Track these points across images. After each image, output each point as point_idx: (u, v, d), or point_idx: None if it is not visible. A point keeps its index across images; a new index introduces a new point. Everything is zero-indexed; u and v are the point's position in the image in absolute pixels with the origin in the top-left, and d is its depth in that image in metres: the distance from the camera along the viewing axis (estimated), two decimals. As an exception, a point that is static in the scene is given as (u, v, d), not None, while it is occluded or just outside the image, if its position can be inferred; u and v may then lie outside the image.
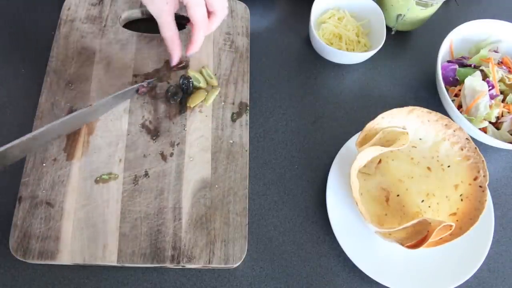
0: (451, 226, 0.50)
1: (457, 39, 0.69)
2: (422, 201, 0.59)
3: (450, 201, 0.57)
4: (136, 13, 0.69)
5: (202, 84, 0.62)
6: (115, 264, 0.53)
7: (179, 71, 0.64)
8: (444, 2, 0.69)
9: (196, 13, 0.54)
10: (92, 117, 0.58)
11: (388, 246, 0.55)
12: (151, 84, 0.61)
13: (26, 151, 0.50)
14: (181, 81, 0.62)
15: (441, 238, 0.51)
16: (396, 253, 0.56)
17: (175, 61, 0.61)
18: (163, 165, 0.58)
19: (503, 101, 0.64)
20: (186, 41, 0.66)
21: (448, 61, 0.69)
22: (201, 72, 0.63)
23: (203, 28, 0.56)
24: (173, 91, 0.61)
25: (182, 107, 0.62)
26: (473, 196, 0.55)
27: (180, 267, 0.54)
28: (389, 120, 0.57)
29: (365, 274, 0.55)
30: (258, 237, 0.58)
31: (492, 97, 0.63)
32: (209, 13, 0.56)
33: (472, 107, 0.62)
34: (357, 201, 0.52)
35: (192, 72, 0.63)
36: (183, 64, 0.64)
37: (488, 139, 0.61)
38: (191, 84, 0.62)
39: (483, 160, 0.55)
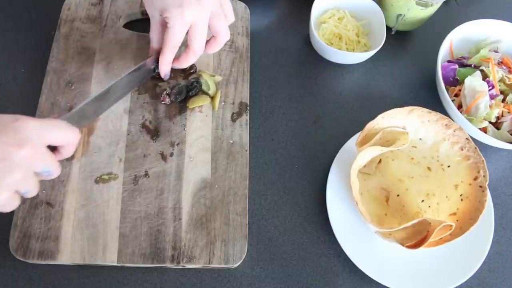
0: (451, 226, 0.50)
1: (457, 39, 0.69)
2: (422, 201, 0.59)
3: (450, 201, 0.57)
4: (136, 13, 0.69)
5: (211, 92, 0.62)
6: (115, 264, 0.53)
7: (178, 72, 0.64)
8: (444, 2, 0.69)
9: (172, 39, 0.52)
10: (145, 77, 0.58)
11: (388, 246, 0.55)
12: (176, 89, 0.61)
13: (98, 111, 0.52)
14: (191, 81, 0.61)
15: (441, 238, 0.51)
16: (396, 253, 0.56)
17: (151, 52, 0.59)
18: (163, 165, 0.58)
19: (503, 101, 0.64)
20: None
21: (448, 61, 0.69)
22: (213, 80, 0.63)
23: (172, 52, 0.55)
24: (179, 90, 0.61)
25: (182, 107, 0.62)
26: (473, 196, 0.55)
27: (180, 267, 0.54)
28: (389, 120, 0.57)
29: (365, 274, 0.55)
30: (258, 237, 0.58)
31: (492, 97, 0.63)
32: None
33: (472, 107, 0.62)
34: (357, 201, 0.52)
35: (206, 77, 0.62)
36: (193, 70, 0.64)
37: (488, 139, 0.61)
38: (199, 87, 0.61)
39: (483, 160, 0.55)
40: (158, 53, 0.56)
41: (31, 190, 0.43)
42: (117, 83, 0.53)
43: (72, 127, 0.45)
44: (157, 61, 0.56)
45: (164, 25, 0.53)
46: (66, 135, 0.45)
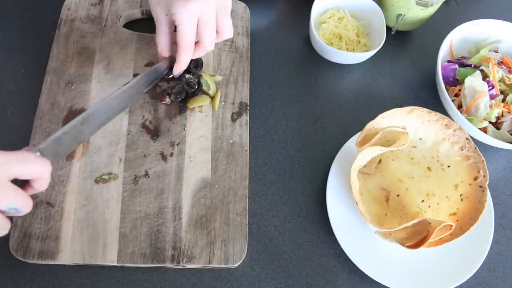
0: (451, 226, 0.50)
1: (457, 39, 0.69)
2: (422, 201, 0.59)
3: (450, 201, 0.57)
4: (136, 13, 0.69)
5: (211, 92, 0.62)
6: (115, 264, 0.53)
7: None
8: (444, 2, 0.69)
9: (185, 37, 0.52)
10: (135, 97, 0.55)
11: (388, 246, 0.55)
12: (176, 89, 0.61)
13: (78, 138, 0.48)
14: (192, 80, 0.61)
15: (441, 238, 0.51)
16: (396, 253, 0.56)
17: (160, 59, 0.58)
18: (163, 165, 0.58)
19: (503, 101, 0.64)
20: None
21: (448, 61, 0.69)
22: (213, 80, 0.63)
23: (189, 53, 0.54)
24: (179, 90, 0.61)
25: (182, 107, 0.62)
26: (473, 196, 0.55)
27: (180, 267, 0.54)
28: (389, 120, 0.57)
29: (365, 274, 0.55)
30: (258, 237, 0.58)
31: (492, 97, 0.63)
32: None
33: (472, 107, 0.62)
34: (357, 201, 0.52)
35: (206, 77, 0.62)
36: (199, 68, 0.63)
37: (488, 139, 0.61)
38: (200, 87, 0.61)
39: (483, 160, 0.55)
40: (170, 57, 0.56)
41: (3, 228, 0.40)
42: (99, 107, 0.49)
43: (42, 159, 0.42)
44: (171, 65, 0.56)
45: (171, 26, 0.53)
46: (36, 169, 0.41)
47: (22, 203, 0.41)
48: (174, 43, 0.55)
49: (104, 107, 0.50)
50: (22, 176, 0.41)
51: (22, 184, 0.42)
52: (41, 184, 0.43)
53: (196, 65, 0.61)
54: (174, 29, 0.54)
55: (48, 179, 0.43)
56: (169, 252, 0.53)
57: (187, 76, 0.59)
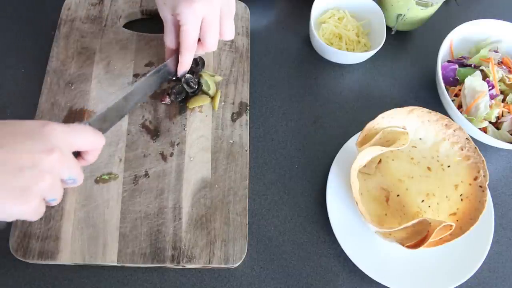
0: (451, 226, 0.50)
1: (457, 39, 0.69)
2: (422, 201, 0.59)
3: (450, 201, 0.57)
4: (136, 13, 0.69)
5: (211, 92, 0.62)
6: (115, 264, 0.53)
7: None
8: (444, 2, 0.69)
9: (188, 38, 0.52)
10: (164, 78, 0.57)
11: (388, 246, 0.55)
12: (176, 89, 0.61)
13: (120, 114, 0.52)
14: (192, 80, 0.61)
15: (441, 238, 0.51)
16: (396, 253, 0.56)
17: (168, 55, 0.59)
18: (163, 165, 0.58)
19: (503, 101, 0.64)
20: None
21: (448, 61, 0.69)
22: (213, 80, 0.63)
23: (192, 52, 0.55)
24: (179, 90, 0.61)
25: (182, 107, 0.62)
26: (473, 196, 0.55)
27: (180, 267, 0.54)
28: (389, 120, 0.57)
29: (365, 274, 0.55)
30: (258, 237, 0.58)
31: (492, 97, 0.63)
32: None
33: (472, 107, 0.62)
34: (357, 201, 0.52)
35: (206, 77, 0.62)
36: (199, 66, 0.63)
37: (488, 139, 0.61)
38: (200, 87, 0.61)
39: (483, 160, 0.55)
40: (177, 54, 0.56)
41: (57, 197, 0.42)
42: (138, 85, 0.53)
43: (97, 132, 0.45)
44: (177, 62, 0.57)
45: (177, 26, 0.53)
46: (92, 141, 0.44)
47: (80, 174, 0.43)
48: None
49: (139, 87, 0.54)
50: (82, 148, 0.44)
51: (75, 156, 0.44)
52: (93, 156, 0.46)
53: (196, 64, 0.61)
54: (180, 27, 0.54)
55: (99, 151, 0.47)
56: (169, 252, 0.53)
57: (187, 76, 0.59)
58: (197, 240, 0.54)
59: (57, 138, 0.40)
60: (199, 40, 0.54)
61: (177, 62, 0.57)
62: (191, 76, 0.60)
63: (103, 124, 0.49)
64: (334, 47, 0.68)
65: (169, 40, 0.56)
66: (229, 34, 0.55)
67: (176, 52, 0.57)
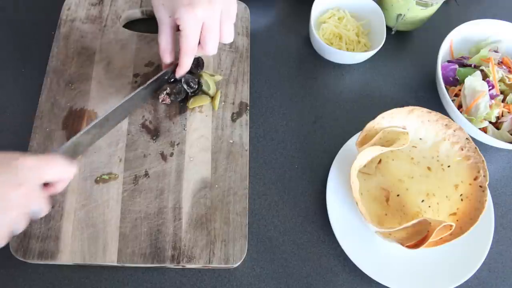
0: (451, 226, 0.50)
1: (457, 39, 0.69)
2: (422, 201, 0.59)
3: (450, 201, 0.57)
4: (136, 13, 0.69)
5: (211, 91, 0.62)
6: (115, 264, 0.53)
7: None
8: (444, 2, 0.69)
9: (188, 42, 0.52)
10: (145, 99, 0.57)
11: (388, 246, 0.55)
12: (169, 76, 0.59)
13: (95, 138, 0.52)
14: (192, 80, 0.61)
15: (441, 238, 0.51)
16: (396, 253, 0.56)
17: (164, 67, 0.58)
18: (163, 165, 0.58)
19: (503, 101, 0.64)
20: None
21: (448, 61, 0.69)
22: (213, 80, 0.63)
23: (192, 56, 0.55)
24: (179, 90, 0.61)
25: (182, 107, 0.62)
26: (473, 196, 0.55)
27: (180, 267, 0.54)
28: (389, 120, 0.57)
29: (365, 274, 0.55)
30: (258, 237, 0.58)
31: (492, 97, 0.63)
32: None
33: (472, 107, 0.62)
34: (357, 201, 0.52)
35: (206, 77, 0.62)
36: (200, 67, 0.63)
37: (488, 139, 0.61)
38: (200, 87, 0.61)
39: (483, 160, 0.55)
40: (174, 62, 0.57)
41: (21, 229, 0.43)
42: (120, 105, 0.53)
43: (68, 162, 0.45)
44: (174, 69, 0.57)
45: (174, 28, 0.53)
46: (63, 172, 0.45)
47: (45, 207, 0.44)
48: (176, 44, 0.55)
49: (117, 111, 0.53)
50: (51, 180, 0.44)
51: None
52: (63, 185, 0.46)
53: (197, 64, 0.61)
54: (176, 29, 0.54)
55: (68, 182, 0.47)
56: (169, 252, 0.53)
57: (187, 76, 0.59)
58: (197, 240, 0.54)
59: (27, 172, 0.41)
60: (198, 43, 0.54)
61: (174, 65, 0.57)
62: (191, 76, 0.60)
63: (77, 148, 0.49)
64: (334, 47, 0.68)
65: (164, 41, 0.55)
66: (229, 37, 0.55)
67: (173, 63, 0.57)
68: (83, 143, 0.50)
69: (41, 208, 0.44)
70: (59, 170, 0.44)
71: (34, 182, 0.42)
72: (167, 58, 0.56)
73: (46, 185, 0.44)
